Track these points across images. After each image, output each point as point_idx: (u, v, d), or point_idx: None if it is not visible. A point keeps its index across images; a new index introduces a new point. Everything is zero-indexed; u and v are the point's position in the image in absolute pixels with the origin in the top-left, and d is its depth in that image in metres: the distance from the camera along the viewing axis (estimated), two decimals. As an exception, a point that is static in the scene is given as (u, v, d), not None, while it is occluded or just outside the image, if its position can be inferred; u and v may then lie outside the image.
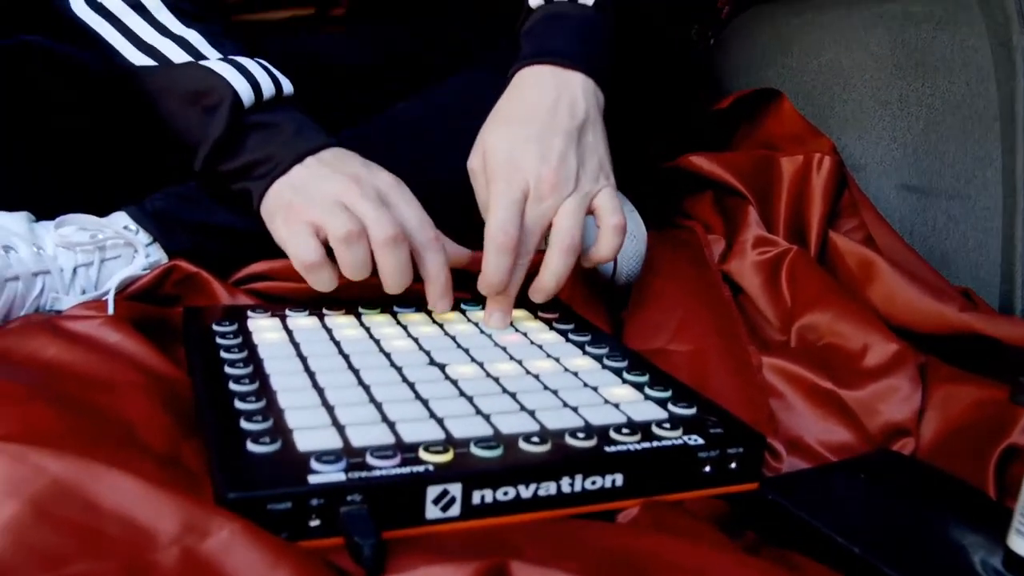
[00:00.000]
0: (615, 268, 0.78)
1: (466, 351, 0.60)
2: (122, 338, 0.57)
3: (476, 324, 0.66)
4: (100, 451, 0.42)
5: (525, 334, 0.65)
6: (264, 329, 0.61)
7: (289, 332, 0.61)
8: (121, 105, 0.72)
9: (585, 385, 0.56)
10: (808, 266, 0.72)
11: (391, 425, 0.47)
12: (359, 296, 0.66)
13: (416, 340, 0.61)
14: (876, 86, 0.86)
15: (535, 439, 0.46)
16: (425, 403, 0.51)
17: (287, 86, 0.68)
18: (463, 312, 0.68)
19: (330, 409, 0.49)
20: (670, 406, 0.53)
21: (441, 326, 0.65)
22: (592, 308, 0.72)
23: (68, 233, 0.64)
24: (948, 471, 0.53)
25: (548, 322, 0.68)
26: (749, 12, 1.07)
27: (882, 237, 0.75)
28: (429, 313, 0.67)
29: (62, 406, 0.46)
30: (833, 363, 0.63)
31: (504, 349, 0.61)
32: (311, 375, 0.53)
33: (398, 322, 0.65)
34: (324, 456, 0.42)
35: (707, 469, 0.49)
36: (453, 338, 0.62)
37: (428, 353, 0.59)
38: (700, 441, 0.49)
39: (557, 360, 0.60)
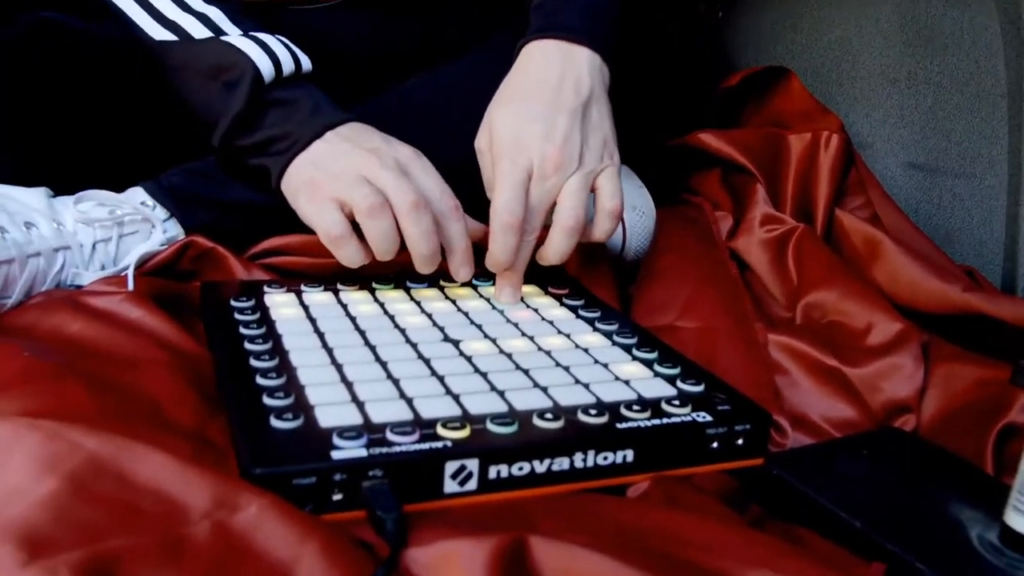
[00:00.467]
0: (624, 244, 0.79)
1: (479, 327, 0.61)
2: (143, 314, 0.58)
3: (488, 299, 0.67)
4: (130, 427, 0.44)
5: (536, 310, 0.66)
6: (281, 305, 0.62)
7: (305, 308, 0.62)
8: (137, 81, 0.73)
9: (596, 362, 0.57)
10: (815, 244, 0.73)
11: (409, 401, 0.49)
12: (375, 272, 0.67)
13: (430, 316, 0.63)
14: (885, 63, 0.86)
15: (549, 415, 0.48)
16: (441, 379, 0.52)
17: (306, 63, 0.69)
18: (475, 288, 0.70)
19: (349, 385, 0.50)
20: (679, 383, 0.54)
21: (454, 302, 0.66)
22: (601, 284, 0.73)
23: (87, 209, 0.65)
24: (948, 448, 0.54)
25: (558, 298, 0.69)
26: (757, -14, 1.07)
27: (888, 215, 0.76)
28: (442, 288, 0.68)
29: (90, 383, 0.47)
30: (838, 341, 0.64)
31: (516, 325, 0.62)
32: (329, 351, 0.55)
33: (411, 298, 0.66)
34: (346, 432, 0.44)
35: (714, 445, 0.50)
36: (466, 314, 0.64)
37: (442, 329, 0.60)
38: (708, 418, 0.50)
39: (568, 336, 0.61)
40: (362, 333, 0.58)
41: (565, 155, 0.64)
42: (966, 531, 0.45)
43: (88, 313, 0.57)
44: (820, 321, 0.68)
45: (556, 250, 0.65)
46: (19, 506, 0.36)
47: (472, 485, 0.45)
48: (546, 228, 0.66)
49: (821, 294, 0.69)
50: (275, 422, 0.45)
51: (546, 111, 0.64)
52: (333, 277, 0.68)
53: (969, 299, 0.63)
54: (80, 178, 0.69)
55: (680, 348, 0.62)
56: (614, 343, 0.61)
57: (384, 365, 0.53)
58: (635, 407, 0.50)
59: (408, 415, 0.47)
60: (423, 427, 0.45)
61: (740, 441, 0.51)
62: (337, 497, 0.42)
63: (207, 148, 0.72)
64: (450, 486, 0.44)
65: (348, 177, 0.61)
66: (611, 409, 0.50)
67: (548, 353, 0.58)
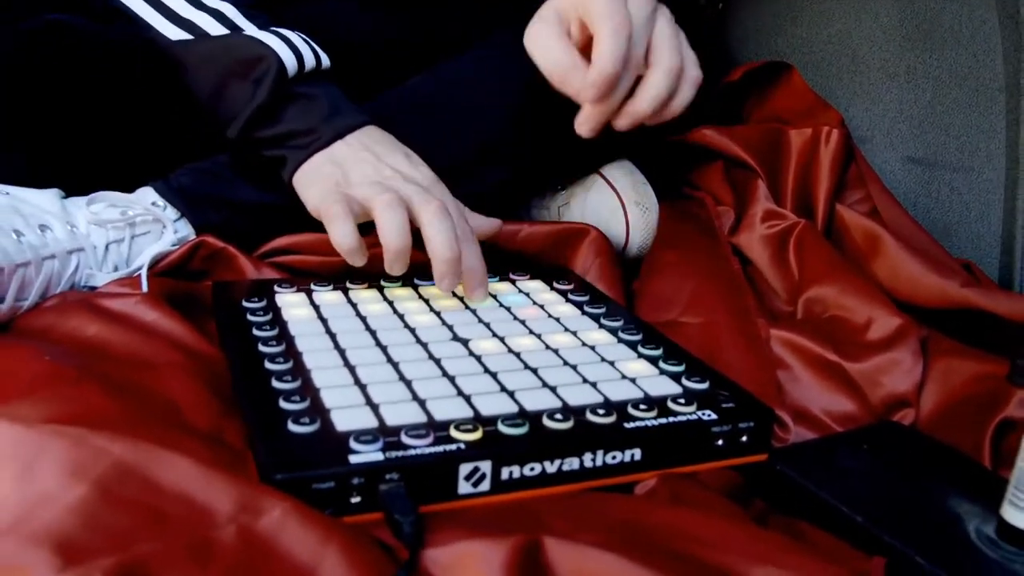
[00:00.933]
0: (627, 239, 0.80)
1: (487, 325, 0.63)
2: (159, 316, 0.59)
3: (494, 297, 0.68)
4: (152, 432, 0.45)
5: (542, 306, 0.67)
6: (292, 305, 0.63)
7: (316, 308, 0.63)
8: (145, 81, 0.74)
9: (602, 360, 0.58)
10: (815, 240, 0.75)
11: (422, 403, 0.50)
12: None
13: (438, 314, 0.64)
14: (884, 58, 0.87)
15: (558, 416, 0.49)
16: (452, 380, 0.53)
17: (325, 60, 0.70)
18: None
19: (363, 387, 0.51)
20: (684, 380, 0.56)
21: (461, 299, 0.67)
22: (606, 279, 0.74)
23: (99, 210, 0.66)
24: (946, 442, 0.56)
25: (564, 293, 0.70)
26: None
27: (887, 210, 0.77)
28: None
29: (111, 387, 0.49)
30: (838, 336, 0.66)
31: (523, 323, 0.64)
32: (342, 352, 0.56)
33: (419, 296, 0.67)
34: (362, 436, 0.45)
35: (719, 443, 0.51)
36: (474, 312, 0.65)
37: (451, 328, 0.61)
38: (713, 416, 0.51)
39: (574, 334, 0.62)
40: (373, 333, 0.59)
41: None
42: (964, 525, 0.47)
43: (105, 316, 0.58)
44: (821, 316, 0.69)
45: (652, 95, 0.60)
46: (50, 512, 0.37)
47: (485, 486, 0.46)
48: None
49: (822, 289, 0.70)
50: (293, 426, 0.46)
51: None
52: (342, 275, 0.69)
53: (967, 294, 0.64)
54: (88, 178, 0.70)
55: (684, 343, 0.63)
56: (620, 340, 0.62)
57: (396, 366, 0.55)
58: (642, 406, 0.51)
59: (422, 417, 0.48)
60: (436, 429, 0.47)
61: (744, 438, 0.52)
62: (355, 500, 0.43)
63: (215, 147, 0.73)
64: (464, 487, 0.45)
65: (367, 181, 0.63)
66: (619, 408, 0.51)
67: (556, 351, 0.59)
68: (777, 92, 0.90)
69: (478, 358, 0.57)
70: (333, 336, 0.59)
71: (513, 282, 0.72)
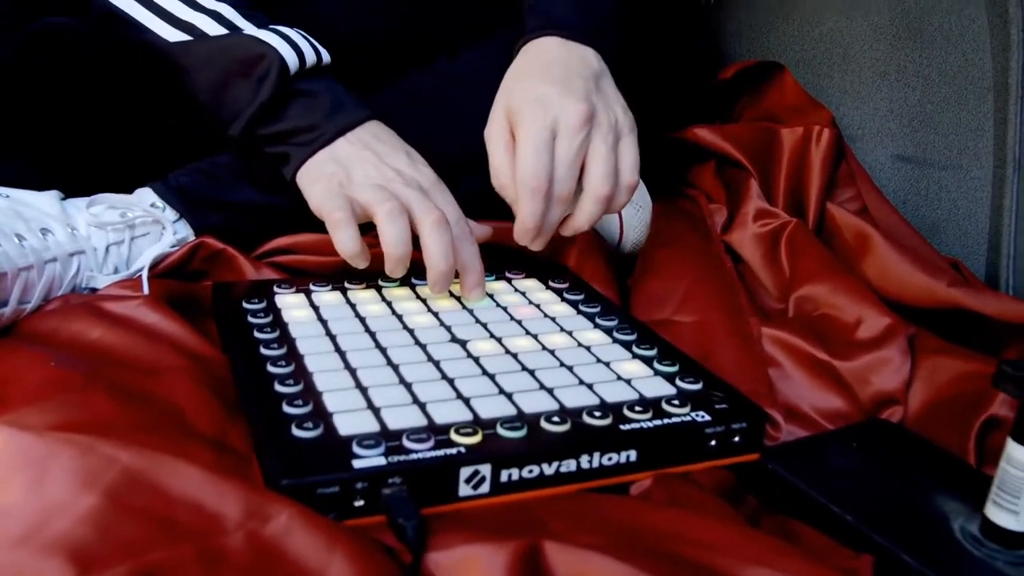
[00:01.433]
0: (621, 237, 0.81)
1: (484, 326, 0.64)
2: (160, 319, 0.60)
3: (491, 296, 0.69)
4: (159, 439, 0.46)
5: (538, 306, 0.68)
6: (292, 306, 0.64)
7: (316, 309, 0.64)
8: (142, 83, 0.74)
9: (598, 360, 0.59)
10: (807, 239, 0.76)
11: (422, 407, 0.51)
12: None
13: (436, 315, 0.65)
14: (875, 56, 0.88)
15: (556, 419, 0.50)
16: (451, 382, 0.54)
17: (325, 56, 0.70)
18: (478, 284, 0.72)
19: (364, 391, 0.52)
20: (678, 381, 0.57)
21: (458, 299, 0.68)
22: (600, 277, 0.75)
23: (99, 212, 0.67)
24: (933, 440, 0.57)
25: (559, 292, 0.71)
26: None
27: (877, 208, 0.79)
28: (446, 285, 0.70)
29: (116, 393, 0.49)
30: (829, 335, 0.67)
31: (520, 323, 0.65)
32: (342, 355, 0.57)
33: (417, 296, 0.68)
34: (364, 441, 0.46)
35: (712, 443, 0.53)
36: (471, 312, 0.66)
37: (449, 329, 0.62)
38: (707, 417, 0.53)
39: (570, 334, 0.63)
40: (373, 335, 0.60)
41: (589, 109, 0.63)
42: (949, 523, 0.48)
43: (107, 319, 0.59)
44: (812, 314, 0.71)
45: (585, 218, 0.64)
46: (63, 522, 0.38)
47: (485, 488, 0.47)
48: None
49: (813, 288, 0.72)
50: (296, 431, 0.47)
51: (563, 76, 0.64)
52: (340, 275, 0.70)
53: (954, 294, 0.65)
54: (87, 178, 0.71)
55: (677, 342, 0.64)
56: (615, 340, 0.63)
57: (396, 368, 0.56)
58: (637, 408, 0.52)
59: (422, 421, 0.49)
60: (437, 433, 0.48)
61: (737, 438, 0.53)
62: (358, 504, 0.44)
63: (214, 147, 0.73)
64: (464, 490, 0.47)
65: (368, 184, 0.63)
66: (614, 410, 0.52)
67: (552, 352, 0.60)
68: (769, 91, 0.91)
69: (476, 360, 0.58)
70: (333, 338, 0.59)
71: (509, 280, 0.73)
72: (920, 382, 0.62)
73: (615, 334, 0.64)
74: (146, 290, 0.63)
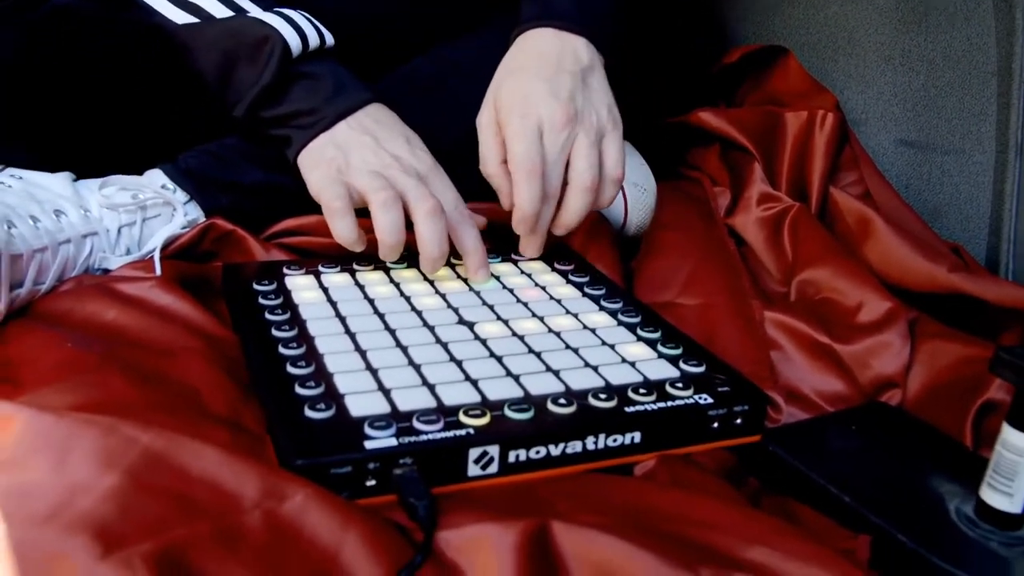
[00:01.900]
0: (625, 220, 0.82)
1: (491, 308, 0.65)
2: (173, 300, 0.61)
3: (497, 277, 0.70)
4: (176, 419, 0.47)
5: (544, 288, 0.69)
6: (302, 288, 0.65)
7: (325, 290, 0.65)
8: (153, 65, 0.74)
9: (603, 343, 0.60)
10: (809, 223, 0.77)
11: (431, 388, 0.52)
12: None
13: (443, 296, 0.66)
14: (880, 41, 0.88)
15: (562, 401, 0.51)
16: (459, 364, 0.55)
17: (329, 38, 0.71)
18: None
19: (374, 372, 0.53)
20: (681, 364, 0.58)
21: (465, 281, 0.69)
22: (605, 259, 0.76)
23: (111, 194, 0.68)
24: (931, 423, 0.58)
25: (564, 274, 0.72)
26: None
27: (879, 193, 0.79)
28: (453, 267, 0.71)
29: (132, 374, 0.51)
30: (830, 318, 0.68)
31: (526, 305, 0.66)
32: (352, 336, 0.58)
33: (424, 277, 0.69)
34: (376, 422, 0.47)
35: (715, 425, 0.54)
36: (478, 294, 0.67)
37: (456, 311, 0.63)
38: (710, 400, 0.54)
39: (575, 316, 0.64)
40: (381, 317, 0.61)
41: (571, 111, 0.66)
42: (945, 504, 0.49)
43: (121, 300, 0.60)
44: (814, 298, 0.72)
45: (574, 211, 0.68)
46: (87, 500, 0.39)
47: (493, 468, 0.48)
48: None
49: (815, 272, 0.73)
50: (309, 412, 0.48)
51: (549, 74, 0.67)
52: (348, 257, 0.71)
53: (954, 279, 0.66)
54: (96, 160, 0.71)
55: (680, 324, 0.65)
56: (619, 323, 0.64)
57: (405, 350, 0.57)
58: (641, 390, 0.53)
59: (432, 403, 0.50)
60: (447, 415, 0.49)
61: (739, 421, 0.55)
62: (370, 483, 0.45)
63: (222, 129, 0.74)
64: (473, 470, 0.48)
65: (365, 170, 0.64)
66: (619, 393, 0.53)
67: (558, 335, 0.61)
68: (774, 75, 0.91)
69: (483, 342, 0.59)
70: (343, 320, 0.61)
71: (515, 262, 0.74)
72: (919, 366, 0.63)
73: (620, 316, 0.65)
74: (158, 271, 0.64)
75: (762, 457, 0.55)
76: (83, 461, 0.41)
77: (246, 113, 0.69)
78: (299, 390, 0.50)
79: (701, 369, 0.58)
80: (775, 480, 0.54)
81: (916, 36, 0.86)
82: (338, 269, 0.69)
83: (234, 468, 0.42)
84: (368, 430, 0.47)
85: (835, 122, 0.82)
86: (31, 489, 0.39)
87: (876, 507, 0.48)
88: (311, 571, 0.39)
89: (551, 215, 0.68)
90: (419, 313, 0.63)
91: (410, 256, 0.72)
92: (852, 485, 0.50)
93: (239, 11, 0.69)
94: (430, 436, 0.47)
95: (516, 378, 0.54)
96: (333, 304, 0.63)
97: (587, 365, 0.57)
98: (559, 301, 0.67)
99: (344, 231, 0.64)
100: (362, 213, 0.65)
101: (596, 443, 0.51)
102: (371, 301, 0.64)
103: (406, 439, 0.47)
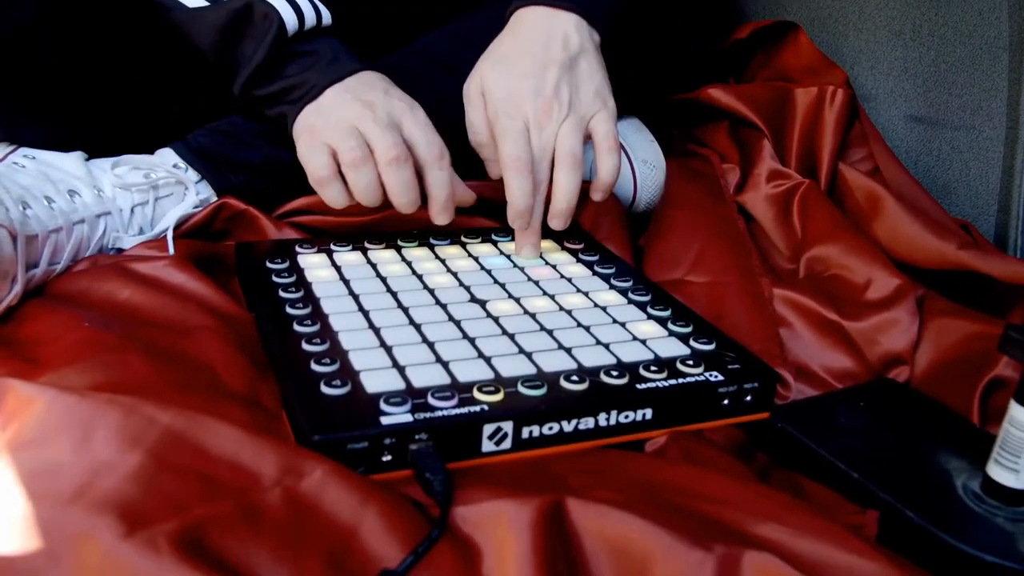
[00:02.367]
0: (635, 197, 0.82)
1: (502, 286, 0.65)
2: (187, 279, 0.62)
3: (508, 256, 0.71)
4: (195, 398, 0.48)
5: (554, 267, 0.70)
6: (315, 266, 0.66)
7: (338, 268, 0.66)
8: (157, 43, 0.74)
9: (614, 321, 0.61)
10: (819, 200, 0.77)
11: (445, 365, 0.53)
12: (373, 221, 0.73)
13: (455, 275, 0.66)
14: (890, 15, 0.88)
15: (574, 378, 0.52)
16: (472, 342, 0.56)
17: (327, 16, 0.71)
18: (495, 244, 0.73)
19: (389, 350, 0.54)
20: (692, 342, 0.58)
21: (476, 259, 0.70)
22: (615, 237, 0.76)
23: (123, 173, 0.68)
24: (938, 399, 0.59)
25: (574, 253, 0.73)
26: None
27: (889, 169, 0.79)
28: (464, 245, 0.72)
29: (150, 353, 0.51)
30: (839, 295, 0.68)
31: (537, 283, 0.66)
32: (366, 314, 0.59)
33: (436, 255, 0.70)
34: (391, 398, 0.48)
35: (725, 402, 0.55)
36: (489, 271, 0.67)
37: (468, 288, 0.64)
38: (720, 377, 0.54)
39: (586, 295, 0.65)
40: (394, 295, 0.62)
41: (555, 104, 0.67)
42: (952, 480, 0.50)
43: (136, 279, 0.60)
44: (823, 274, 0.72)
45: (564, 191, 0.68)
46: (110, 479, 0.40)
47: (507, 444, 0.49)
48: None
49: (824, 248, 0.73)
50: (325, 389, 0.49)
51: (535, 68, 0.68)
52: (360, 235, 0.72)
53: (963, 256, 0.67)
54: (107, 139, 0.72)
55: (690, 302, 0.66)
56: (630, 301, 0.64)
57: (419, 328, 0.57)
58: (652, 368, 0.54)
59: (446, 379, 0.51)
60: (461, 391, 0.50)
61: (748, 398, 0.55)
62: (386, 459, 0.46)
63: (231, 107, 0.74)
64: (487, 446, 0.49)
65: (341, 127, 0.65)
66: (631, 370, 0.54)
67: (569, 312, 0.62)
68: (784, 51, 0.91)
69: (496, 319, 0.60)
70: (356, 298, 0.61)
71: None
72: (927, 343, 0.64)
73: (630, 295, 0.65)
74: (171, 250, 0.64)
75: (771, 433, 0.55)
76: (106, 441, 0.42)
77: (241, 91, 0.69)
78: (315, 367, 0.51)
79: (711, 347, 0.58)
80: (784, 456, 0.54)
81: (927, 11, 0.85)
82: (350, 247, 0.70)
83: (253, 446, 0.43)
84: (384, 406, 0.47)
85: (845, 98, 0.82)
86: (55, 469, 0.40)
87: (884, 483, 0.49)
88: (331, 547, 0.40)
89: (542, 207, 0.69)
90: (431, 291, 0.63)
91: (420, 235, 0.73)
92: (860, 461, 0.51)
93: None
94: (445, 412, 0.48)
95: (529, 355, 0.55)
96: (346, 282, 0.64)
97: (598, 343, 0.57)
98: (570, 280, 0.68)
99: (335, 199, 0.66)
100: None
101: (608, 420, 0.51)
102: (383, 279, 0.65)
103: (421, 415, 0.47)
